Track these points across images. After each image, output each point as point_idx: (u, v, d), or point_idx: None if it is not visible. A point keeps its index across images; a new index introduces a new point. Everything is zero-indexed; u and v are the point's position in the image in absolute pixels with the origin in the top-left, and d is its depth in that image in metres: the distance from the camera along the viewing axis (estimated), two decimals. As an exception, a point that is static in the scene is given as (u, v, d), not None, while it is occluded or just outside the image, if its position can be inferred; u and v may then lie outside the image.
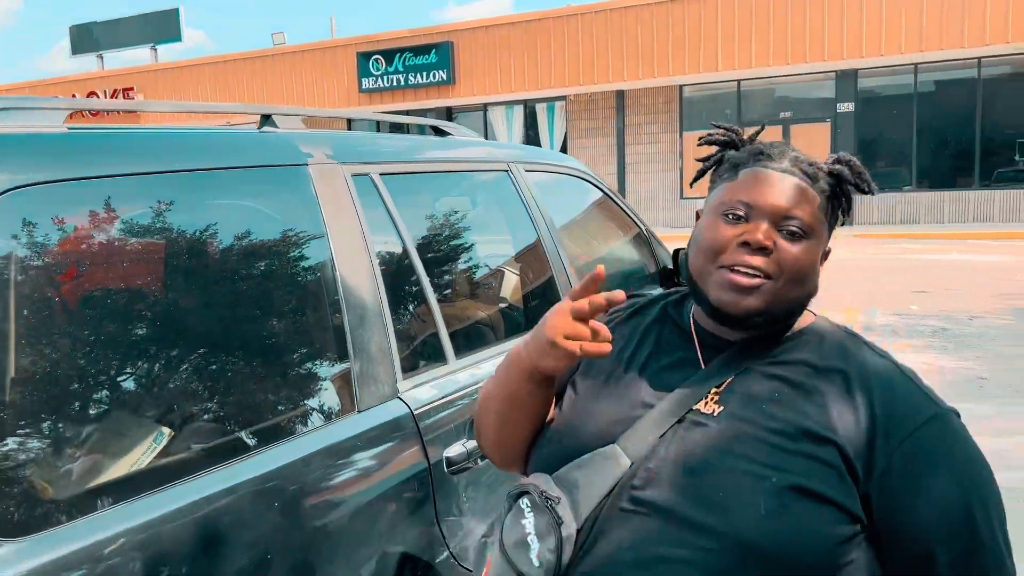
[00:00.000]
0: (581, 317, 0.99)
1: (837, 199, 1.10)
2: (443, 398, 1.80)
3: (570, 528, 1.00)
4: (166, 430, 1.38)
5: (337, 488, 1.50)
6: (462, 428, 1.81)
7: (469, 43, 19.07)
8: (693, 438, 1.01)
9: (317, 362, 1.61)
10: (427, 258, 2.03)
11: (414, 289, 1.94)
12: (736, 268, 1.02)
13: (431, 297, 1.94)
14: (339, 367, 1.62)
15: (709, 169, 1.19)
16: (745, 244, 1.02)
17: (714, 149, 1.20)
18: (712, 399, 1.04)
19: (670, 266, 3.26)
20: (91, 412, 1.26)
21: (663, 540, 0.96)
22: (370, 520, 1.55)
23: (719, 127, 1.19)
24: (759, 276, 1.01)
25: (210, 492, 1.30)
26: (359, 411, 1.61)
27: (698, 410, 1.03)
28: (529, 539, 1.01)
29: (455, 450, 1.76)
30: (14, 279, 1.16)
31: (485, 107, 20.61)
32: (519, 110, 20.34)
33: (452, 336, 1.97)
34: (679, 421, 1.03)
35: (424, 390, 1.78)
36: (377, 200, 1.90)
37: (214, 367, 1.44)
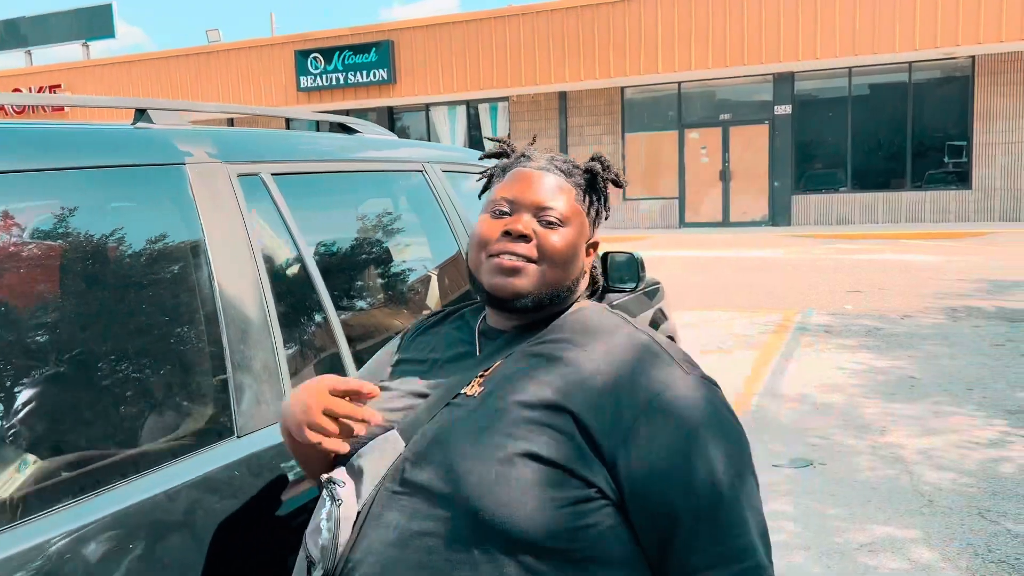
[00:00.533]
0: (332, 415, 1.07)
1: (595, 192, 1.24)
2: (339, 418, 1.66)
3: (350, 510, 1.07)
4: (30, 457, 1.21)
5: (209, 525, 1.34)
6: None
7: (410, 42, 18.84)
8: (450, 418, 1.09)
9: (188, 381, 1.45)
10: (326, 267, 1.88)
11: (310, 301, 1.79)
12: (502, 254, 1.14)
13: (329, 309, 1.79)
14: (215, 387, 1.46)
15: (490, 179, 1.32)
16: (507, 233, 1.15)
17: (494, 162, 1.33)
18: (477, 383, 1.13)
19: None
20: None
21: (419, 516, 1.02)
22: (251, 560, 1.40)
23: (494, 139, 1.33)
24: (522, 260, 1.14)
25: (49, 535, 1.13)
26: (239, 436, 1.46)
27: (463, 393, 1.12)
28: (321, 524, 1.08)
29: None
30: None
31: (427, 107, 20.40)
32: (462, 110, 20.17)
33: (354, 352, 1.82)
34: (447, 405, 1.12)
35: (317, 410, 1.63)
36: (268, 203, 1.74)
37: (70, 387, 1.27)
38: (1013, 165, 15.85)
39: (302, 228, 1.80)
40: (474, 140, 19.77)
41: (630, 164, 18.36)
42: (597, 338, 1.13)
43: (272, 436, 1.51)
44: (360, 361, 1.82)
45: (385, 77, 18.96)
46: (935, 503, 3.58)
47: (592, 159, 1.26)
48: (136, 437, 1.33)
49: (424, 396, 1.18)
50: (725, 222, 17.72)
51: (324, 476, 1.13)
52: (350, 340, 1.82)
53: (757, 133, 17.43)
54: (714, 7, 16.25)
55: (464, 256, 2.34)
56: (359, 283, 2.09)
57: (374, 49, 19.02)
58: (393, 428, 1.15)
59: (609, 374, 1.06)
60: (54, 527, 1.14)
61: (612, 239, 14.54)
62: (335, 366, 1.77)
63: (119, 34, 23.82)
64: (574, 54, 17.36)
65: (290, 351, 1.64)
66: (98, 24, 23.90)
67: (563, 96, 18.91)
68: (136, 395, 1.36)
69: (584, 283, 1.25)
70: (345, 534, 1.06)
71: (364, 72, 19.16)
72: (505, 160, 1.29)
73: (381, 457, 1.11)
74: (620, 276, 3.06)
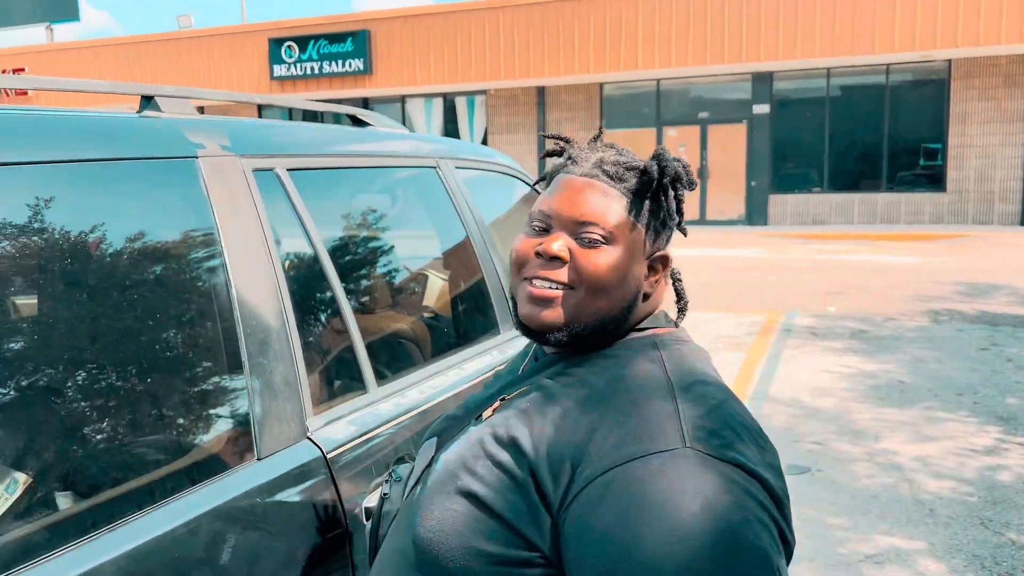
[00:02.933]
0: None
1: (655, 199, 1.02)
2: (362, 436, 1.53)
3: (392, 505, 1.08)
4: (20, 477, 1.07)
5: (234, 559, 1.21)
6: (384, 470, 1.54)
7: (387, 32, 18.57)
8: (459, 439, 1.01)
9: (207, 400, 1.31)
10: (344, 268, 1.75)
11: (328, 305, 1.66)
12: (535, 280, 0.99)
13: (348, 314, 1.66)
14: (235, 404, 1.33)
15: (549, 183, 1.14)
16: (540, 255, 0.99)
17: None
18: (494, 407, 1.02)
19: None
20: None
21: (398, 532, 0.99)
22: (272, 594, 1.27)
23: (551, 136, 1.15)
24: (556, 288, 0.98)
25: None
26: (259, 458, 1.32)
27: (480, 415, 1.03)
28: (374, 512, 1.12)
29: (376, 499, 1.49)
30: None
31: (403, 99, 20.15)
32: (439, 103, 19.95)
33: (373, 359, 1.69)
34: (469, 424, 1.04)
35: (339, 427, 1.50)
36: (284, 199, 1.61)
37: (70, 405, 1.13)
38: (986, 168, 16.04)
39: (319, 227, 1.67)
40: (449, 133, 19.55)
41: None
42: (606, 377, 0.95)
43: (295, 457, 1.38)
44: (376, 361, 1.70)
45: (361, 67, 18.68)
46: (936, 512, 3.54)
47: (653, 156, 1.03)
48: (148, 462, 1.20)
49: (469, 412, 1.12)
50: (702, 220, 17.73)
51: (391, 468, 1.15)
52: (368, 346, 1.69)
53: (735, 132, 17.45)
54: (694, 5, 16.21)
55: (476, 257, 2.21)
56: (375, 286, 1.96)
57: (350, 39, 18.71)
58: (437, 437, 1.12)
59: (587, 427, 0.88)
60: (65, 570, 1.00)
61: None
62: (354, 376, 1.64)
63: (84, 18, 23.21)
64: (553, 49, 17.23)
65: (309, 362, 1.51)
66: (62, 5, 23.22)
67: (541, 91, 18.77)
68: (146, 415, 1.22)
69: (649, 306, 1.05)
70: (384, 527, 1.08)
71: (340, 62, 18.86)
72: (556, 162, 1.11)
73: (420, 462, 1.09)
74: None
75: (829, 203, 17.04)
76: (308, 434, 1.43)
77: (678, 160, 1.04)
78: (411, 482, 1.07)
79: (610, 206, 0.99)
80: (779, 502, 0.85)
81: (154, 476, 1.18)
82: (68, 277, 1.17)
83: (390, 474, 1.13)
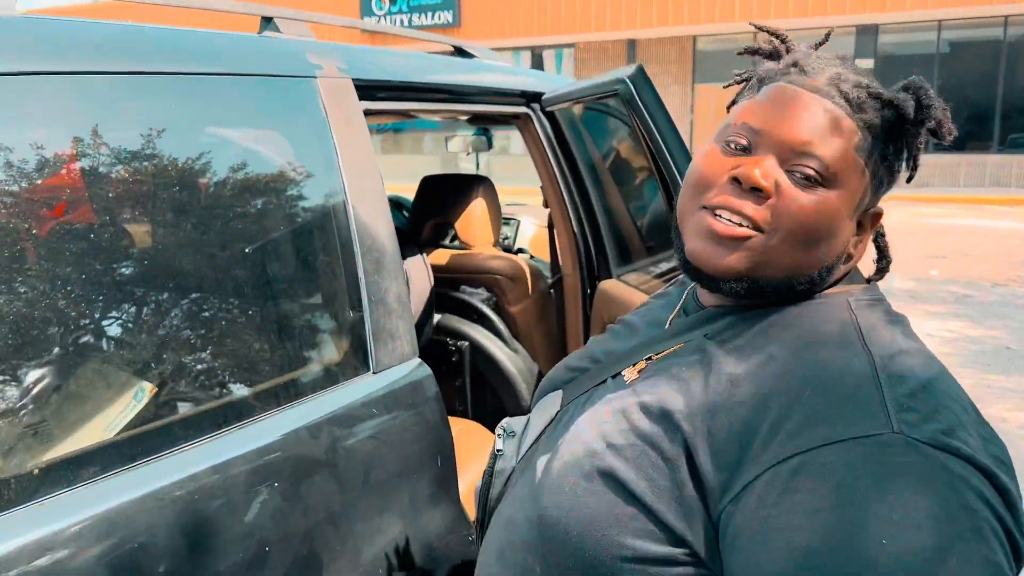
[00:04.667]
0: None
1: (894, 140, 0.80)
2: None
3: (506, 463, 0.95)
4: (147, 385, 1.13)
5: (348, 464, 1.25)
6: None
7: (478, -16, 18.44)
8: (592, 399, 0.86)
9: (326, 315, 1.34)
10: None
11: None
12: (719, 212, 0.78)
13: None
14: (352, 321, 1.36)
15: (742, 87, 0.92)
16: (735, 181, 0.77)
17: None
18: (639, 367, 0.85)
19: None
20: (55, 364, 1.00)
21: (518, 497, 0.85)
22: (385, 501, 1.30)
23: (765, 29, 0.91)
24: (745, 226, 0.77)
25: (194, 471, 1.05)
26: (374, 372, 1.36)
27: (621, 375, 0.87)
28: (485, 470, 0.98)
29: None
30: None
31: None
32: (526, 56, 19.76)
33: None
34: (602, 383, 0.88)
35: (448, 349, 1.53)
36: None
37: (202, 317, 1.18)
38: (1110, 130, 14.95)
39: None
40: (538, 87, 19.36)
41: (700, 117, 17.82)
42: (802, 350, 0.75)
43: (407, 374, 1.41)
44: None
45: (450, 20, 18.63)
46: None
47: (904, 87, 0.81)
48: (275, 371, 1.24)
49: (596, 361, 0.96)
50: (794, 180, 17.15)
51: (502, 422, 1.00)
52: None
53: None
54: (797, -47, 15.49)
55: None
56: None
57: (441, -10, 18.67)
58: (560, 391, 0.96)
59: (764, 401, 0.71)
60: (202, 459, 1.06)
61: (679, 193, 14.12)
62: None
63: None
64: (645, 0, 16.78)
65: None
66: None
67: (632, 44, 18.35)
68: (272, 326, 1.26)
69: (847, 269, 0.85)
70: (495, 489, 0.94)
71: (429, 14, 18.85)
72: (769, 65, 0.86)
73: (540, 417, 0.95)
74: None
75: (933, 165, 16.20)
76: (419, 353, 1.46)
77: (940, 99, 0.81)
78: (528, 438, 0.94)
79: (841, 136, 0.77)
80: (1013, 507, 0.65)
81: (279, 382, 1.22)
82: (197, 188, 1.21)
83: (503, 428, 0.98)
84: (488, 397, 2.21)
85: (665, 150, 1.33)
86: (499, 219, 2.51)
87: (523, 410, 2.18)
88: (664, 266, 2.43)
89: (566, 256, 2.25)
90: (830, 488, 0.63)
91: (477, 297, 2.32)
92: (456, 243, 2.53)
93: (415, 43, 16.67)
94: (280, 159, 1.35)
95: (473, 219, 2.42)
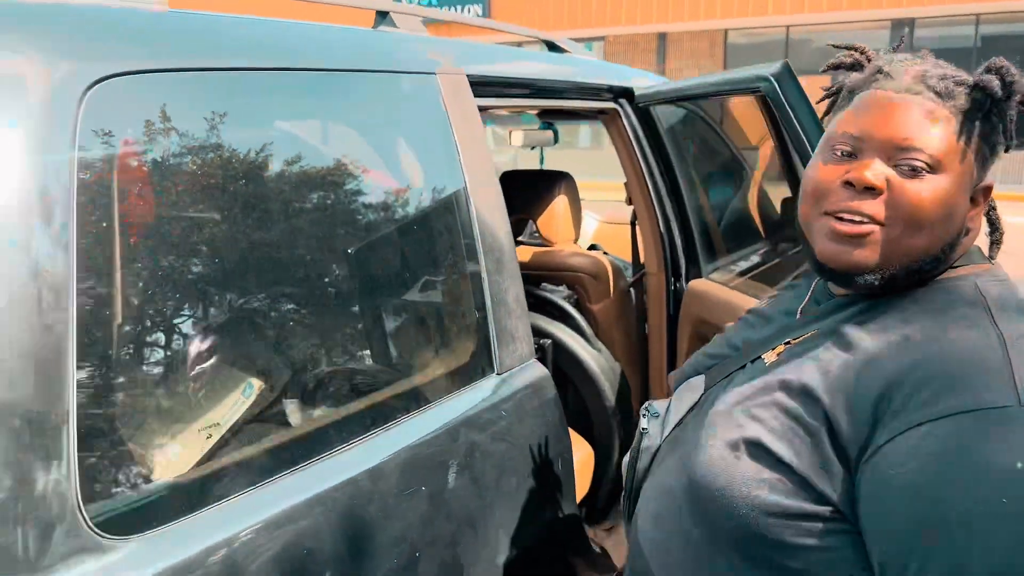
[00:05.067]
0: None
1: (988, 118, 0.87)
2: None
3: (652, 441, 1.02)
4: (255, 382, 1.11)
5: (483, 466, 1.24)
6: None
7: (507, -23, 18.38)
8: (735, 381, 0.93)
9: (454, 316, 1.32)
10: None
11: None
12: (841, 215, 0.86)
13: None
14: (477, 322, 1.34)
15: (833, 100, 1.01)
16: (849, 185, 0.85)
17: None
18: (779, 350, 0.93)
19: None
20: (196, 362, 0.99)
21: (668, 474, 0.94)
22: (514, 503, 1.29)
23: (845, 48, 1.00)
24: (867, 222, 0.85)
25: (352, 474, 1.04)
26: (498, 373, 1.34)
27: (760, 359, 0.94)
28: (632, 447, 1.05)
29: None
30: (115, 187, 0.88)
31: (520, 45, 19.97)
32: (555, 49, 19.70)
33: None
34: (743, 367, 0.96)
35: (562, 350, 1.51)
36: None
37: (338, 319, 1.16)
38: None
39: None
40: (566, 81, 19.29)
41: (728, 112, 17.65)
42: (932, 330, 0.82)
43: (528, 374, 1.39)
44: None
45: (480, 12, 18.58)
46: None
47: (991, 69, 0.87)
48: (410, 374, 1.22)
49: (734, 347, 1.04)
50: (826, 176, 16.98)
51: (646, 404, 1.07)
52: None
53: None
54: (832, -55, 15.30)
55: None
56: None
57: (470, -17, 18.64)
58: (703, 375, 1.04)
59: (897, 375, 0.78)
60: (356, 464, 1.05)
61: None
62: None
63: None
64: (677, -7, 16.65)
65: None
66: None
67: (662, 37, 18.22)
68: (404, 328, 1.24)
69: (967, 243, 0.91)
70: (642, 464, 1.02)
71: (458, 7, 18.82)
72: (855, 76, 0.94)
73: (683, 399, 1.02)
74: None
75: (968, 161, 15.96)
76: (536, 354, 1.44)
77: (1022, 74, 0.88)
78: (672, 418, 1.01)
79: (939, 127, 0.84)
80: None
81: (414, 385, 1.21)
82: (337, 187, 1.20)
83: (646, 408, 1.06)
84: (570, 395, 2.19)
85: (812, 151, 1.30)
86: (580, 216, 2.48)
87: (606, 409, 2.15)
88: (743, 264, 2.40)
89: (651, 254, 2.22)
90: (955, 450, 0.71)
91: (559, 294, 2.30)
92: (537, 240, 2.50)
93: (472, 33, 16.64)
94: (408, 158, 1.33)
95: (555, 216, 2.39)
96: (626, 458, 1.06)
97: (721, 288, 2.00)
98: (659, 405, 1.06)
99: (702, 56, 18.04)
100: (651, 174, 2.16)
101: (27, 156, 0.82)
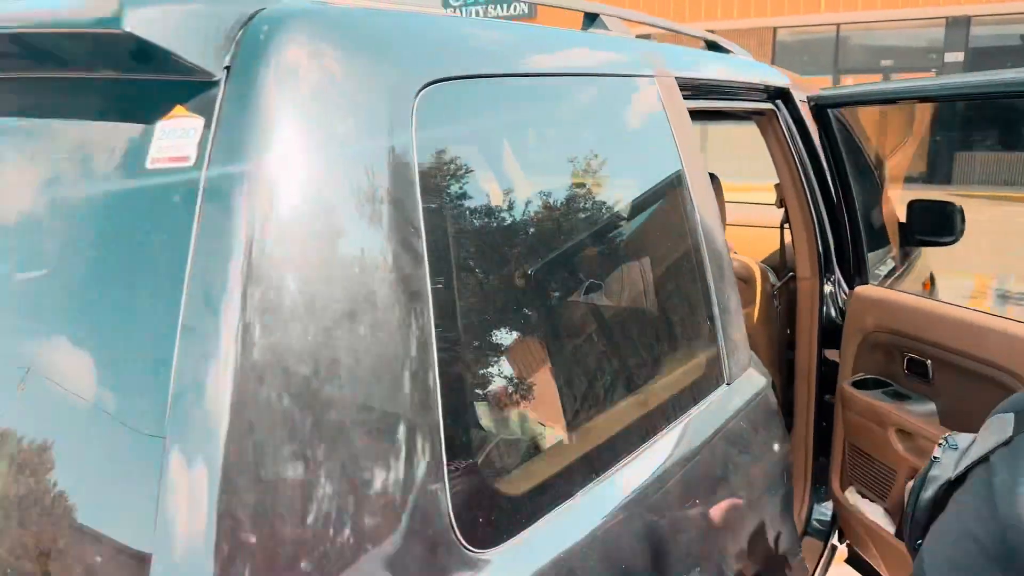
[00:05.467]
0: None
1: None
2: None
3: (942, 471, 0.98)
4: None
5: (735, 475, 1.21)
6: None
7: (553, -26, 18.32)
8: None
9: (691, 325, 1.30)
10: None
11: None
12: None
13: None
14: (709, 331, 1.31)
15: None
16: None
17: None
18: None
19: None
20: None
21: (976, 514, 0.86)
22: (754, 513, 1.26)
23: None
24: None
25: (645, 482, 1.02)
26: (728, 384, 1.32)
27: None
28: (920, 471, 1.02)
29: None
30: (449, 189, 0.87)
31: (648, 37, 19.90)
32: (600, 47, 19.63)
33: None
34: None
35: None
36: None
37: (592, 330, 1.14)
38: None
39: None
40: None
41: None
42: None
43: (753, 382, 1.37)
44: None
45: (526, 11, 18.55)
46: None
47: None
48: (661, 385, 1.20)
49: None
50: (876, 176, 16.73)
51: (947, 435, 1.03)
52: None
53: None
54: (887, -58, 15.05)
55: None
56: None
57: (514, -19, 18.62)
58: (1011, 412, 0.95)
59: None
60: (636, 475, 1.03)
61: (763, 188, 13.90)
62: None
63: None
64: (725, -9, 16.50)
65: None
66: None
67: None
68: (651, 337, 1.22)
69: None
70: (927, 493, 1.00)
71: (504, 5, 18.80)
72: None
73: (989, 435, 0.93)
74: (933, 227, 2.77)
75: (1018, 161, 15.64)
76: (752, 362, 1.41)
77: None
78: (972, 453, 0.96)
79: None
80: None
81: (669, 396, 1.19)
82: (589, 196, 1.18)
83: (945, 439, 1.02)
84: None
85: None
86: (725, 218, 2.45)
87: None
88: (884, 269, 2.35)
89: (804, 258, 2.18)
90: None
91: None
92: None
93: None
94: (641, 164, 1.31)
95: None
96: (911, 483, 1.02)
97: (896, 293, 1.96)
98: (961, 439, 1.02)
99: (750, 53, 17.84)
100: (807, 176, 2.12)
101: (379, 162, 0.81)
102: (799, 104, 2.13)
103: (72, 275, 0.77)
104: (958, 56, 15.82)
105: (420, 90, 0.87)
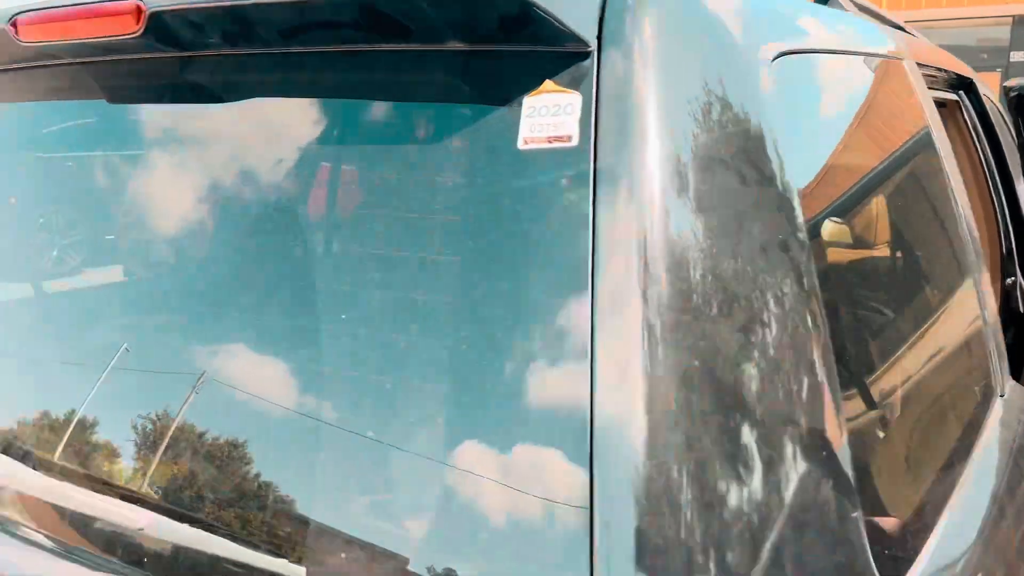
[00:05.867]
0: None
1: None
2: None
3: None
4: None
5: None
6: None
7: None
8: None
9: (973, 332, 1.19)
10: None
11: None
12: None
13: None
14: (982, 336, 1.21)
15: None
16: None
17: None
18: None
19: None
20: None
21: None
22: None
23: None
24: None
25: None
26: (1002, 395, 1.20)
27: None
28: None
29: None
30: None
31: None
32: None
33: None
34: None
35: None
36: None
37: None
38: None
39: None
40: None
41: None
42: None
43: (1018, 393, 1.25)
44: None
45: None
46: None
47: None
48: (962, 393, 1.10)
49: None
50: (937, 178, 16.34)
51: None
52: None
53: (987, 81, 15.80)
54: (952, -62, 14.68)
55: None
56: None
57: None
58: None
59: None
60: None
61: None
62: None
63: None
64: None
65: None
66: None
67: (763, 35, 17.79)
68: (947, 343, 1.12)
69: None
70: None
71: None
72: None
73: None
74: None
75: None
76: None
77: None
78: None
79: None
80: None
81: (969, 403, 1.08)
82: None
83: None
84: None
85: None
86: None
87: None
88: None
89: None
90: None
91: None
92: None
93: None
94: (906, 149, 1.21)
95: None
96: None
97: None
98: None
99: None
100: (991, 174, 1.99)
101: (754, 137, 0.72)
102: (983, 97, 2.01)
103: (447, 268, 0.69)
104: (1022, 56, 15.37)
105: (773, 60, 0.78)
